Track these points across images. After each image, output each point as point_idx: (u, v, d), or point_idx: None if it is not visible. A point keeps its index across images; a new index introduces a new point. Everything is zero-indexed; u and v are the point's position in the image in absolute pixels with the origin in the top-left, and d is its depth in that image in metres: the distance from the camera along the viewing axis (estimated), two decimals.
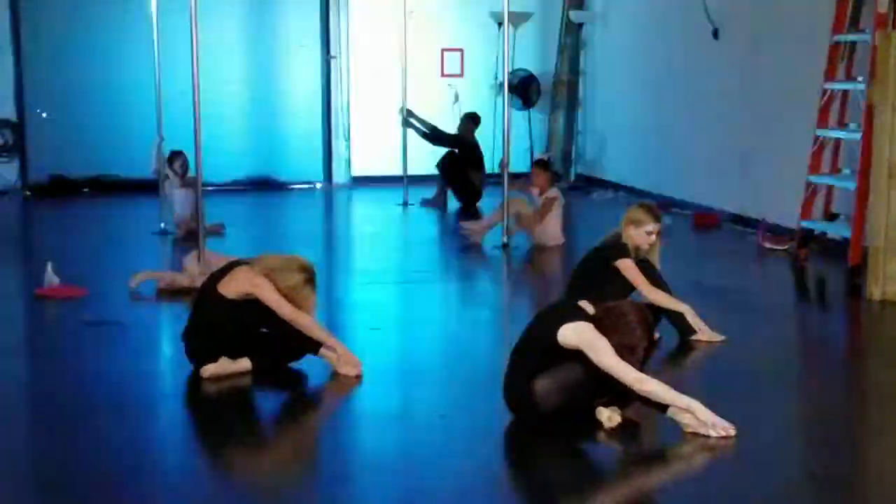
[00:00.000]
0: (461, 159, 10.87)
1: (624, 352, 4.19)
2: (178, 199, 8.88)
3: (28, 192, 11.50)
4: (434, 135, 11.03)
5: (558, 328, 4.25)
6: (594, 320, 4.27)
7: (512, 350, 4.48)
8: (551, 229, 8.52)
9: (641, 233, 5.70)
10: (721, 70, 9.86)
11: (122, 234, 9.40)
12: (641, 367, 4.26)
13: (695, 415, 4.19)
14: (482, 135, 11.21)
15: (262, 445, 4.41)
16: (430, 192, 10.98)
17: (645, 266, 5.71)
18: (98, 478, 3.90)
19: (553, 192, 8.61)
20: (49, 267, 6.74)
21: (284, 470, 4.10)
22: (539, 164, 9.11)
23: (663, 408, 4.25)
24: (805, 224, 8.14)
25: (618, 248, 5.72)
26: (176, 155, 9.04)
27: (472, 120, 11.09)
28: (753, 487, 3.81)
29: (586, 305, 4.37)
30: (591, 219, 10.27)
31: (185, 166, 8.88)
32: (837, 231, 7.92)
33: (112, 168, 11.63)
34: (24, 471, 4.04)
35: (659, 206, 6.15)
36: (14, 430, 4.49)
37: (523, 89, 12.52)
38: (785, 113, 8.84)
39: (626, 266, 5.66)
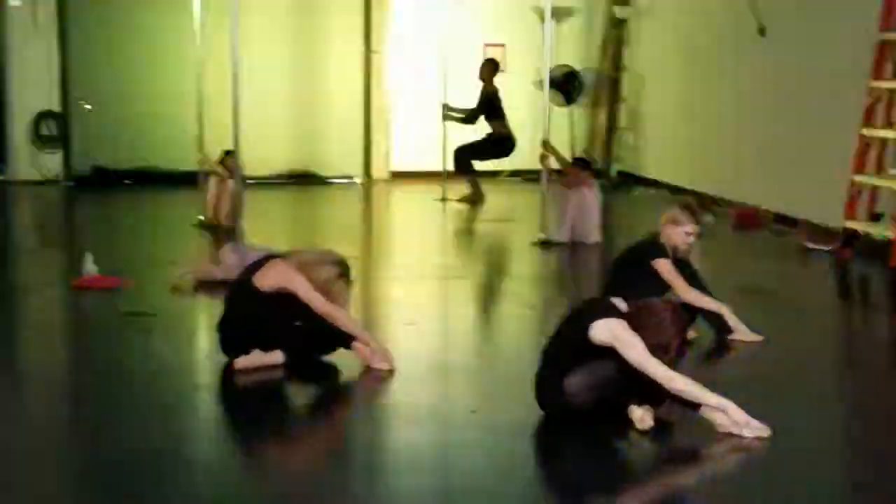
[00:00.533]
0: (465, 147, 10.95)
1: (656, 350, 4.15)
2: (222, 192, 8.94)
3: (71, 183, 11.62)
4: (470, 115, 11.07)
5: (590, 325, 4.22)
6: (627, 317, 4.23)
7: (544, 347, 4.45)
8: (589, 225, 8.45)
9: (680, 233, 5.65)
10: (766, 68, 9.74)
11: (162, 225, 9.47)
12: (674, 365, 4.21)
13: (728, 414, 4.13)
14: (523, 131, 11.19)
15: (293, 438, 4.41)
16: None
17: (682, 266, 5.66)
18: (130, 467, 3.91)
19: (590, 183, 8.57)
20: (88, 257, 6.80)
21: (315, 463, 4.11)
22: (577, 162, 9.08)
23: (695, 407, 4.20)
24: (849, 224, 8.03)
25: (655, 247, 5.66)
26: (230, 154, 9.07)
27: (492, 65, 11.06)
28: (787, 491, 3.75)
29: (619, 303, 4.33)
30: (632, 216, 10.20)
31: (235, 165, 8.85)
32: (881, 232, 7.80)
33: (153, 160, 11.72)
34: (57, 459, 4.07)
35: (701, 204, 6.08)
36: (49, 418, 4.52)
37: (565, 85, 12.45)
38: (830, 111, 8.71)
39: (664, 266, 5.60)
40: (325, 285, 5.04)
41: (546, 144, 8.80)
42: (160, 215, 9.99)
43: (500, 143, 10.99)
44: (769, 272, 7.70)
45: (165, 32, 11.66)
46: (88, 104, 11.72)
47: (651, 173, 12.11)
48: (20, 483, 3.77)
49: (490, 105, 10.99)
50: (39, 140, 11.56)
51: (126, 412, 4.54)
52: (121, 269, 6.98)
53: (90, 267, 6.79)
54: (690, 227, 5.65)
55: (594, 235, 8.49)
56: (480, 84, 11.07)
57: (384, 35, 12.47)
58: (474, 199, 10.87)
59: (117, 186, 11.52)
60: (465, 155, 11.02)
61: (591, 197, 8.51)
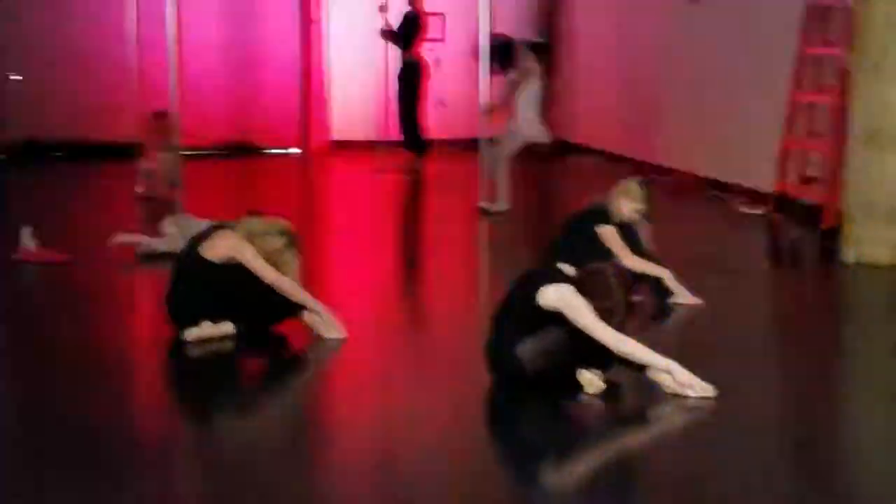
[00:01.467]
0: (406, 121, 11.01)
1: (604, 314, 4.23)
2: (157, 162, 8.86)
3: (1, 157, 11.39)
4: (403, 40, 11.03)
5: (539, 291, 4.29)
6: (574, 283, 4.31)
7: (493, 314, 4.51)
8: (529, 114, 8.51)
9: (631, 207, 5.77)
10: (698, 34, 9.87)
11: (99, 198, 9.35)
12: (621, 328, 4.31)
13: (673, 376, 4.25)
14: (459, 98, 11.22)
15: (243, 409, 4.41)
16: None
17: (626, 232, 5.77)
18: (80, 442, 3.89)
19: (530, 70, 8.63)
20: (26, 231, 6.71)
21: (265, 433, 4.11)
22: (532, 46, 9.16)
23: (642, 369, 4.30)
24: (780, 188, 8.21)
25: (601, 213, 5.78)
26: (161, 115, 8.91)
27: None
28: (732, 448, 3.87)
29: (566, 268, 4.41)
30: (568, 184, 10.31)
31: (167, 128, 8.68)
32: (812, 195, 7.99)
33: (87, 132, 11.53)
34: (2, 434, 4.04)
35: (635, 170, 6.19)
36: None
37: (502, 54, 12.48)
38: (762, 77, 8.88)
39: (607, 232, 5.72)
40: (273, 255, 5.06)
41: (488, 108, 8.84)
42: (97, 188, 9.87)
43: (416, 70, 10.96)
44: (706, 237, 7.86)
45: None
46: (17, 75, 11.47)
47: (586, 141, 12.23)
48: None
49: (414, 29, 10.91)
50: None
51: (73, 387, 4.50)
52: (59, 244, 6.89)
53: (28, 241, 6.70)
54: (641, 206, 5.79)
55: (542, 132, 8.52)
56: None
57: (322, 4, 12.38)
58: (414, 168, 10.90)
59: (50, 159, 11.32)
60: (414, 131, 10.98)
61: (531, 89, 8.57)
